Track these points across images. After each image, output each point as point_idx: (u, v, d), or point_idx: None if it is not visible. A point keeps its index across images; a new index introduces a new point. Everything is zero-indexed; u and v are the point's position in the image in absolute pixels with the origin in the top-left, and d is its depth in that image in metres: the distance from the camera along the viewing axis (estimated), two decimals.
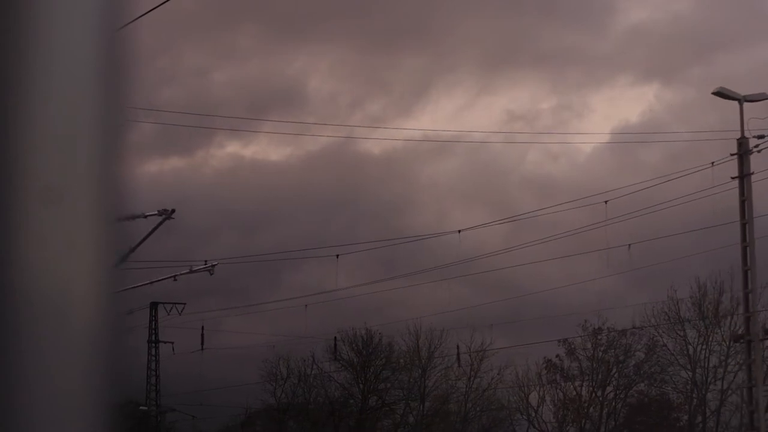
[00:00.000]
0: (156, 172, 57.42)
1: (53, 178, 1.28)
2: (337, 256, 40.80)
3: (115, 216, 1.34)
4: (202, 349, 50.82)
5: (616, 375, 55.37)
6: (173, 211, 25.42)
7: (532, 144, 78.55)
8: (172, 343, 58.42)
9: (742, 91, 33.08)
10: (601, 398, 55.57)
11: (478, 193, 74.34)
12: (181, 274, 28.37)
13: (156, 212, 25.07)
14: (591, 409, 55.71)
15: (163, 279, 28.98)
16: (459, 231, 40.46)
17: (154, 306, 56.91)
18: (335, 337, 54.19)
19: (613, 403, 55.49)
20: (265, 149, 74.50)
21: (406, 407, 56.48)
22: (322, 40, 75.58)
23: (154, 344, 58.69)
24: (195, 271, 27.93)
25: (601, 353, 55.71)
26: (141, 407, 56.71)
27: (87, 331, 1.25)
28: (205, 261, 29.06)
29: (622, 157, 71.15)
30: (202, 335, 50.10)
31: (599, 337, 55.60)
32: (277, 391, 57.41)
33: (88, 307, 1.26)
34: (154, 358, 58.31)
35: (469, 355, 56.51)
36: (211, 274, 28.44)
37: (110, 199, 1.32)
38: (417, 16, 74.85)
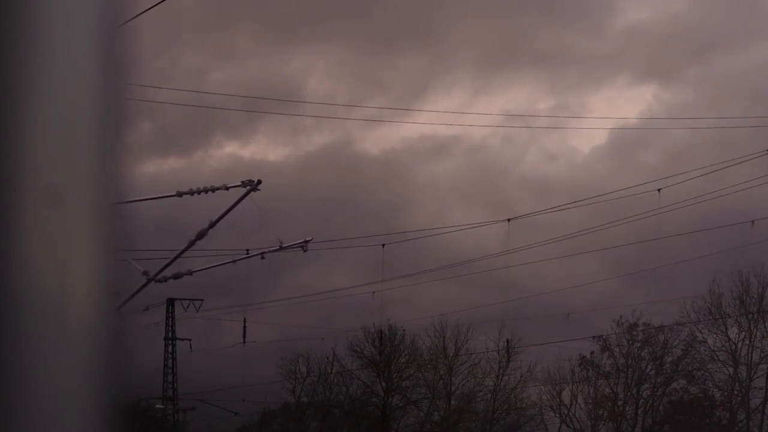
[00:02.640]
0: (155, 172, 58.09)
1: (53, 178, 1.33)
2: (383, 245, 40.72)
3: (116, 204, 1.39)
4: (244, 342, 50.41)
5: (653, 372, 55.21)
6: (259, 182, 23.49)
7: (531, 144, 79.86)
8: (190, 340, 58.80)
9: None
10: (636, 396, 55.41)
11: (477, 193, 75.81)
12: (270, 251, 26.94)
13: (240, 183, 23.56)
14: (627, 408, 55.57)
15: (250, 256, 27.44)
16: (508, 220, 40.60)
17: (170, 302, 57.26)
18: (380, 330, 54.01)
19: (650, 401, 55.33)
20: (263, 149, 75.48)
21: (430, 405, 56.61)
22: (320, 40, 77.06)
23: (171, 341, 59.09)
24: (286, 248, 26.53)
25: (636, 350, 55.57)
26: (157, 406, 57.12)
27: (87, 331, 1.30)
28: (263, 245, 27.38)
29: (621, 157, 72.66)
30: (244, 327, 49.76)
31: (634, 333, 55.45)
32: (296, 389, 57.74)
33: (88, 307, 1.31)
34: (171, 355, 58.73)
35: (497, 352, 56.54)
36: (305, 251, 26.87)
37: (110, 199, 1.37)
38: (415, 17, 76.38)
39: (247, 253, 27.06)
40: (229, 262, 27.33)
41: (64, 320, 1.28)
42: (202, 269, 26.34)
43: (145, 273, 23.37)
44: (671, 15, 76.39)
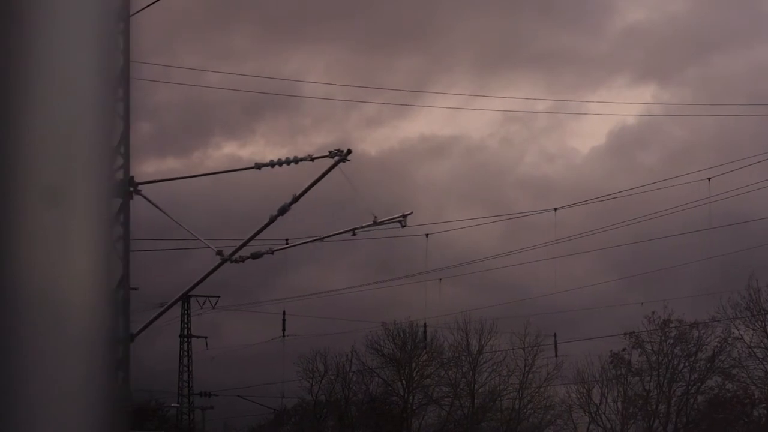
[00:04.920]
0: (152, 173, 58.83)
1: (54, 178, 1.38)
2: (427, 235, 40.70)
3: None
4: (284, 336, 50.02)
5: (687, 369, 55.11)
6: (349, 152, 22.13)
7: (529, 144, 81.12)
8: (206, 337, 59.10)
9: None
10: (668, 394, 55.30)
11: (476, 194, 76.90)
12: (362, 228, 24.34)
13: (327, 153, 22.27)
14: (659, 406, 55.47)
15: (342, 232, 25.14)
16: (555, 209, 40.66)
17: (186, 299, 57.49)
18: (425, 323, 53.62)
19: (684, 399, 55.21)
20: (261, 150, 76.50)
21: (452, 403, 56.72)
22: (318, 41, 78.33)
23: (186, 339, 59.41)
24: (381, 223, 24.07)
25: (668, 347, 55.43)
26: (173, 405, 57.49)
27: (87, 331, 1.35)
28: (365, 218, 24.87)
29: (620, 157, 74.04)
30: (284, 320, 49.47)
31: (667, 329, 55.30)
32: (313, 388, 57.98)
33: (89, 307, 1.36)
34: (186, 353, 59.06)
35: (523, 349, 56.57)
36: (403, 226, 24.41)
37: (110, 199, 1.42)
38: (413, 17, 78.20)
39: (285, 240, 25.78)
40: (316, 239, 25.80)
41: (64, 320, 1.33)
42: (284, 248, 24.99)
43: (219, 253, 22.34)
44: (670, 15, 78.73)
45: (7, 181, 1.35)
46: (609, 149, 76.48)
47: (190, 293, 55.13)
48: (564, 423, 57.15)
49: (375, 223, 24.21)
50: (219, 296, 56.34)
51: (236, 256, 22.46)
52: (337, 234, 25.54)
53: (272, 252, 23.27)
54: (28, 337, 1.30)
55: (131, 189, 20.77)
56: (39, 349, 1.30)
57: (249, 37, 78.51)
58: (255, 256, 22.67)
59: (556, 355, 54.97)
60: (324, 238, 25.52)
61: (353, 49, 79.30)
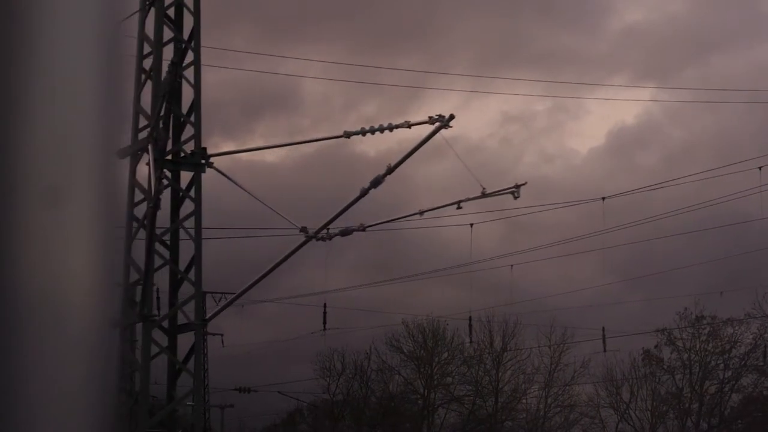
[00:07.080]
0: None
1: (54, 178, 1.42)
2: (471, 225, 40.68)
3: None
4: (325, 329, 49.76)
5: (722, 366, 54.84)
6: (452, 117, 20.71)
7: (528, 145, 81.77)
8: (222, 335, 59.28)
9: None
10: (700, 392, 55.04)
11: (475, 194, 77.45)
12: (469, 200, 23.19)
13: (427, 120, 20.98)
14: (692, 405, 55.24)
15: (446, 205, 23.72)
16: (603, 198, 40.65)
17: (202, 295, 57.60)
18: (470, 317, 53.14)
19: (718, 397, 54.94)
20: (260, 150, 77.32)
21: (474, 402, 56.70)
22: (316, 41, 79.07)
23: (202, 337, 59.57)
24: (490, 195, 22.99)
25: (700, 344, 55.14)
26: (188, 404, 57.66)
27: (87, 331, 1.39)
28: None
29: (619, 158, 74.21)
30: (325, 313, 49.29)
31: (699, 327, 55.02)
32: (331, 386, 58.11)
33: (89, 307, 1.40)
34: (202, 350, 59.25)
35: (549, 347, 56.47)
36: (516, 198, 23.20)
37: (110, 199, 1.46)
38: (411, 17, 78.97)
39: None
40: (415, 214, 24.18)
41: (64, 321, 1.37)
42: (377, 224, 23.57)
43: (303, 229, 21.59)
44: (669, 16, 79.96)
45: (7, 181, 1.39)
46: (608, 149, 77.67)
47: (204, 291, 55.25)
48: (591, 421, 57.06)
49: (483, 195, 23.20)
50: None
51: (322, 233, 21.45)
52: (440, 207, 24.33)
53: (364, 228, 22.28)
54: (28, 337, 1.34)
55: (203, 162, 20.50)
56: (39, 349, 1.34)
57: (247, 38, 79.39)
58: (344, 233, 21.85)
59: (604, 351, 54.22)
60: (423, 212, 24.16)
61: (352, 50, 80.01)
